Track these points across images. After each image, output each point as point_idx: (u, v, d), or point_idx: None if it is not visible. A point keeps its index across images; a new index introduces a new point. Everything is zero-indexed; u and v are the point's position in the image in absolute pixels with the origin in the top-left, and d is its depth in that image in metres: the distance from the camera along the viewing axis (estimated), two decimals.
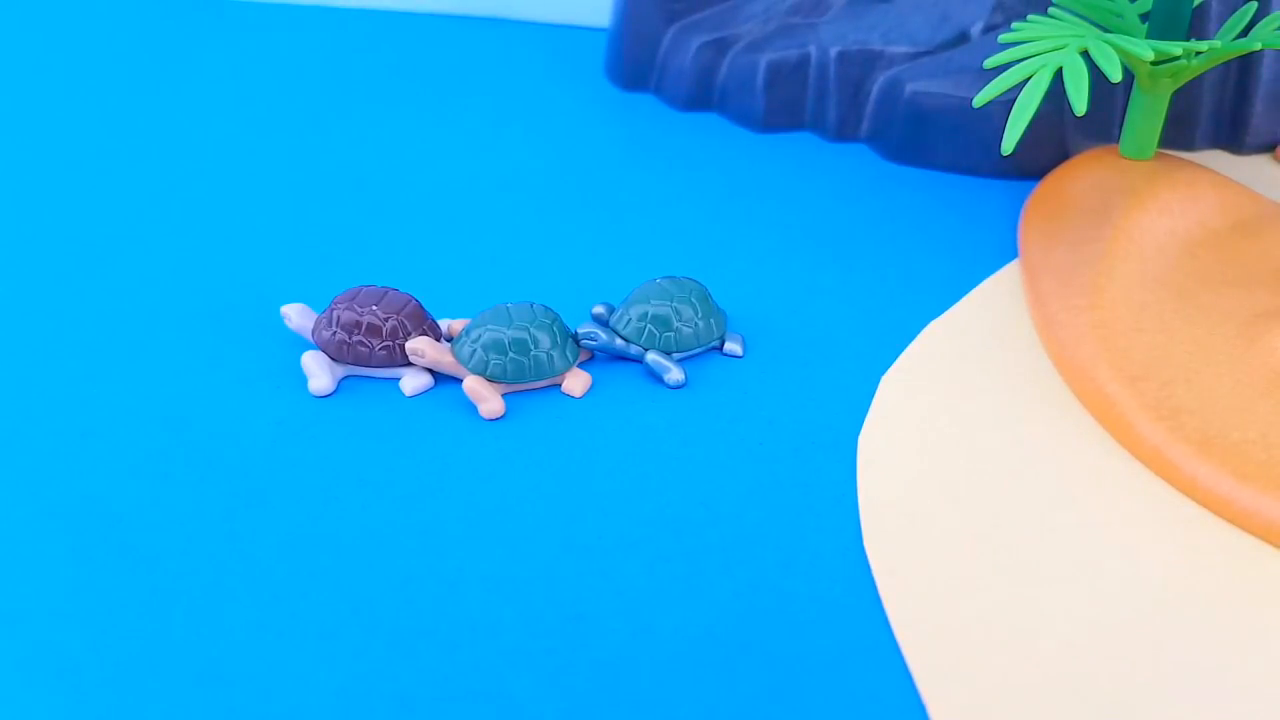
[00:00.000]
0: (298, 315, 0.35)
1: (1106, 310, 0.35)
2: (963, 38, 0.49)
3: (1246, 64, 0.47)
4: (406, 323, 0.34)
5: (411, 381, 0.34)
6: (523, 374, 0.33)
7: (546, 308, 0.34)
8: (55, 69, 0.58)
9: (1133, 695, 0.24)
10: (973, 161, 0.47)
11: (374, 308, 0.34)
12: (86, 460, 0.31)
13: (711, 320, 0.35)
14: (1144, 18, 0.44)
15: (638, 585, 0.27)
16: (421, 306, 0.35)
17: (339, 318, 0.34)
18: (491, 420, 0.33)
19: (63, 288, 0.39)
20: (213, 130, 0.51)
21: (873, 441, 0.32)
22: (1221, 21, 0.46)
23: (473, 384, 0.33)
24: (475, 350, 0.33)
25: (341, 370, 0.34)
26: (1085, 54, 0.46)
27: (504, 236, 0.42)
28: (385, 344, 0.33)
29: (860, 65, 0.49)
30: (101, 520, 0.29)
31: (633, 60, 0.55)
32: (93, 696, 0.24)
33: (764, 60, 0.50)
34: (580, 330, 0.34)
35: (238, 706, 0.24)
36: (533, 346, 0.33)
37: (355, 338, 0.33)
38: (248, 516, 0.29)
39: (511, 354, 0.33)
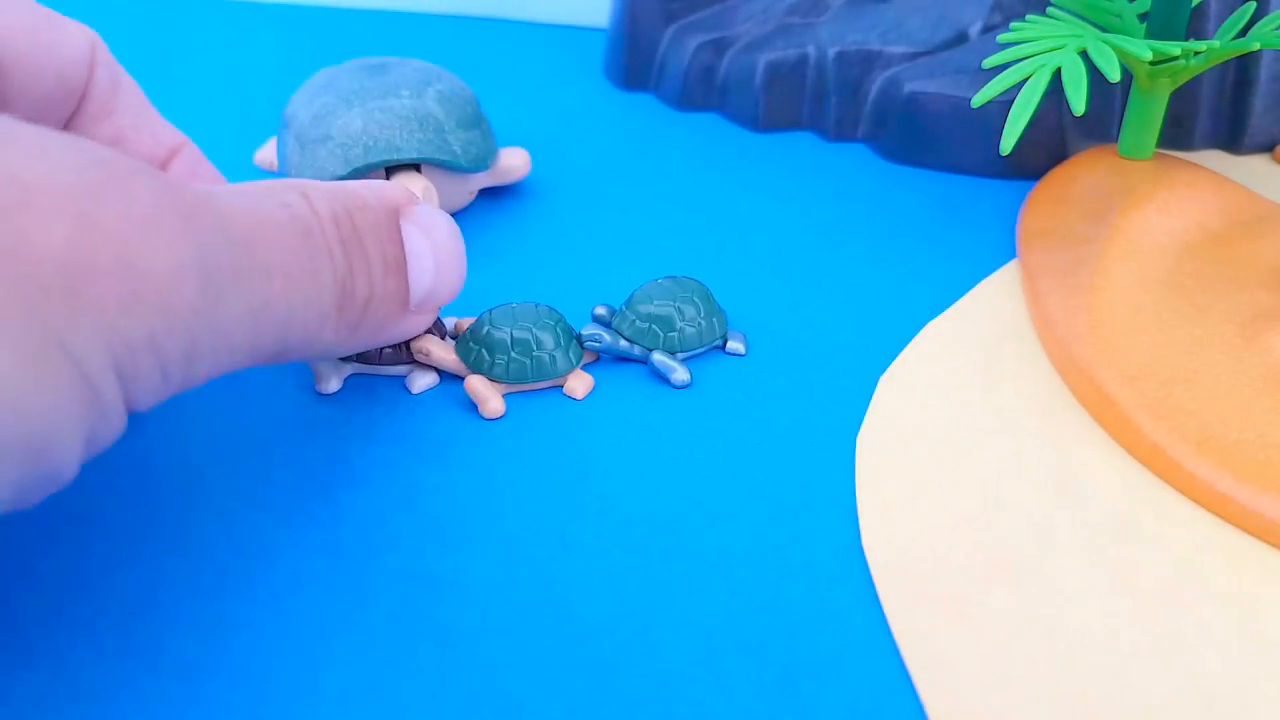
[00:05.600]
0: None
1: (1105, 310, 0.35)
2: (961, 38, 0.49)
3: (1245, 64, 0.47)
4: None
5: (419, 380, 0.34)
6: (525, 375, 0.33)
7: (551, 308, 0.34)
8: None
9: (1131, 695, 0.24)
10: (971, 161, 0.47)
11: None
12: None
13: (714, 319, 0.35)
14: (1142, 18, 0.44)
15: (636, 585, 0.27)
16: None
17: None
18: (492, 420, 0.33)
19: None
20: (212, 130, 0.51)
21: (872, 441, 0.32)
22: (1220, 21, 0.46)
23: (474, 383, 0.33)
24: (478, 350, 0.33)
25: (348, 369, 0.34)
26: (1084, 54, 0.46)
27: (502, 236, 0.43)
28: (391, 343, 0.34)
29: (859, 65, 0.49)
30: (100, 521, 0.29)
31: (631, 60, 0.55)
32: (87, 695, 0.24)
33: (762, 60, 0.50)
34: (584, 332, 0.34)
35: (234, 706, 0.24)
36: (535, 347, 0.33)
37: None
38: (245, 515, 0.29)
39: (514, 354, 0.33)
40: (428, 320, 0.31)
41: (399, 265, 0.29)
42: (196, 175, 0.35)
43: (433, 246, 0.29)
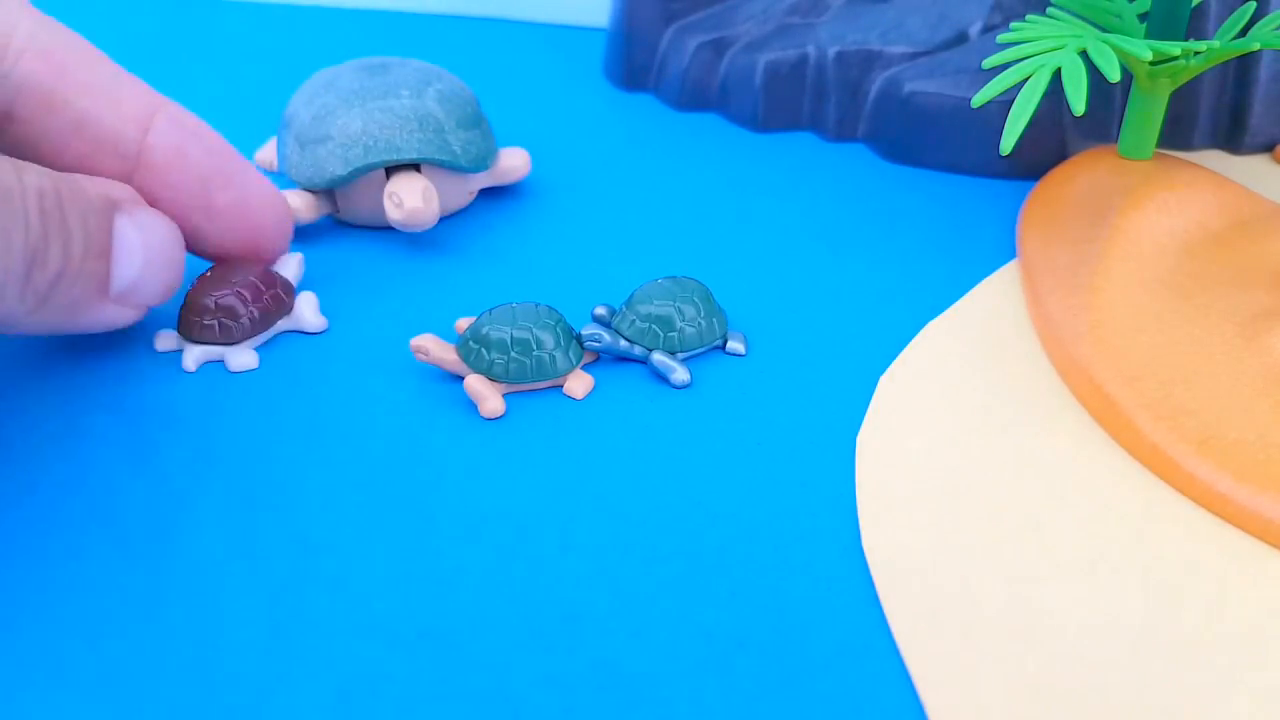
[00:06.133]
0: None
1: (1105, 310, 0.35)
2: (961, 38, 0.49)
3: (1245, 64, 0.47)
4: (244, 292, 0.34)
5: (237, 359, 0.34)
6: (525, 374, 0.33)
7: (551, 308, 0.34)
8: None
9: (1131, 695, 0.24)
10: (971, 161, 0.47)
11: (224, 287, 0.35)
12: (82, 459, 0.31)
13: (714, 319, 0.35)
14: (1142, 18, 0.44)
15: (636, 585, 0.27)
16: (267, 271, 0.36)
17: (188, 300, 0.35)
18: (491, 420, 0.33)
19: None
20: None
21: (872, 441, 0.32)
22: (1220, 21, 0.46)
23: (474, 383, 0.33)
24: (478, 349, 0.33)
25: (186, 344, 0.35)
26: (1084, 54, 0.46)
27: (502, 236, 0.43)
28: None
29: (858, 65, 0.49)
30: (102, 521, 0.29)
31: (631, 60, 0.55)
32: (84, 695, 0.24)
33: (762, 60, 0.50)
34: (584, 332, 0.34)
35: (233, 707, 0.24)
36: (535, 347, 0.33)
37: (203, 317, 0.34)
38: (244, 515, 0.29)
39: (514, 354, 0.33)
40: (131, 315, 0.33)
41: (103, 250, 0.30)
42: (182, 149, 0.34)
43: (144, 244, 0.31)
